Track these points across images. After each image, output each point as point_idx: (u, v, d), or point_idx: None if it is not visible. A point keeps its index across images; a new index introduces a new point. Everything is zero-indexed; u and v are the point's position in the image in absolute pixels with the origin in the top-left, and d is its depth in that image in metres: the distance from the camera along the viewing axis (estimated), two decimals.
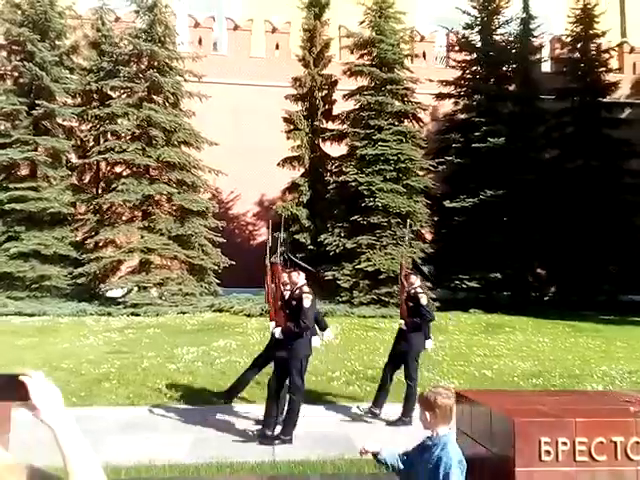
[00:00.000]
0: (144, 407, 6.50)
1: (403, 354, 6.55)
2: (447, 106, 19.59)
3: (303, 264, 6.23)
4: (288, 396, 5.71)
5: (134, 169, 15.99)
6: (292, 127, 17.87)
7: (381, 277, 15.32)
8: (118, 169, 16.45)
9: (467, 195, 16.04)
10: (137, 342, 10.31)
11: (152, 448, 5.13)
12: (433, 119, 18.75)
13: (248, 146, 21.15)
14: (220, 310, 15.06)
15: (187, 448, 5.32)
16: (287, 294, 5.90)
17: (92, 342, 10.20)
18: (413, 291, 6.57)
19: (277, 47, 23.04)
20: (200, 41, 21.87)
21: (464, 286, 16.02)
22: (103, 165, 16.69)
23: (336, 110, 18.14)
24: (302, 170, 17.74)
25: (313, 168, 17.62)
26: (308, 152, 17.57)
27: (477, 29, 18.11)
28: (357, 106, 17.40)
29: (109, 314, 13.85)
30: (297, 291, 5.75)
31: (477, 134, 16.33)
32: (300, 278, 5.85)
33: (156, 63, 16.19)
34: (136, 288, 14.81)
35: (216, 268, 16.08)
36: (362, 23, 17.63)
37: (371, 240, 15.54)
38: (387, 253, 15.60)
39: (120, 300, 14.54)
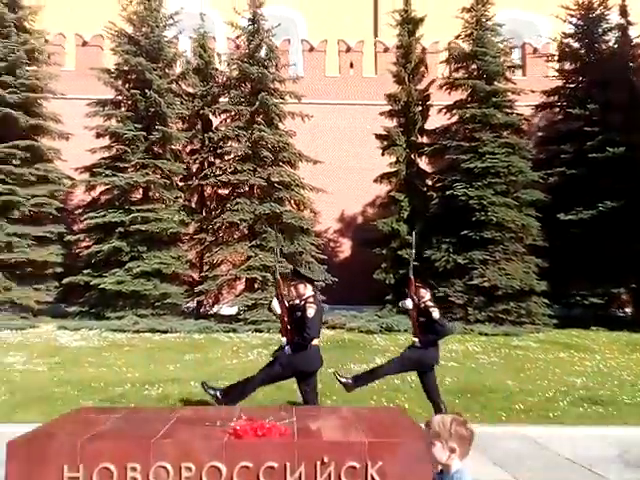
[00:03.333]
0: None
1: (419, 372, 6.42)
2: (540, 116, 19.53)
3: (309, 276, 6.16)
4: None
5: (244, 189, 16.47)
6: (386, 143, 17.98)
7: (498, 293, 15.14)
8: (225, 190, 16.93)
9: (583, 207, 15.72)
10: None
11: None
12: (532, 130, 18.53)
13: (324, 163, 21.49)
14: (333, 327, 15.22)
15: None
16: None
17: (256, 358, 10.52)
18: (424, 305, 6.34)
19: (351, 66, 23.39)
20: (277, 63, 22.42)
21: (585, 302, 15.61)
22: (209, 186, 17.16)
23: (428, 125, 18.26)
24: (397, 185, 17.76)
25: (410, 183, 17.66)
26: (404, 167, 17.66)
27: (577, 38, 17.93)
28: (454, 119, 17.50)
29: (234, 330, 14.19)
30: (302, 302, 5.66)
31: (591, 143, 16.05)
32: (307, 290, 5.74)
33: (260, 85, 16.62)
34: (252, 305, 15.09)
35: (323, 285, 16.28)
36: (458, 37, 17.71)
37: (484, 255, 15.42)
38: (500, 268, 15.39)
39: (240, 317, 14.89)
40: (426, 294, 6.44)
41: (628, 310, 16.97)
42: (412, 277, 6.59)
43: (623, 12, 18.45)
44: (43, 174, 16.35)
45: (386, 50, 22.60)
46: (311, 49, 22.65)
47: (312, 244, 16.39)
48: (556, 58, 18.67)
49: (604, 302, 15.87)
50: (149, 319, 14.71)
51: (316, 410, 5.39)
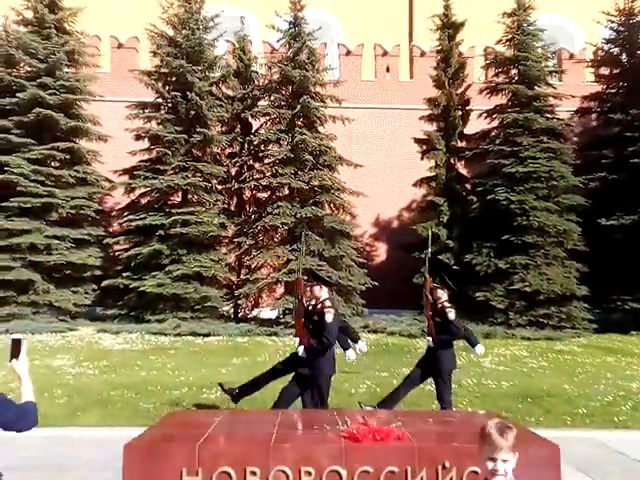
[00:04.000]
0: None
1: (433, 375, 6.33)
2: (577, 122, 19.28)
3: (326, 278, 6.04)
4: None
5: (283, 193, 16.41)
6: (425, 147, 17.87)
7: (539, 298, 14.97)
8: (265, 193, 16.87)
9: (624, 212, 15.52)
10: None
11: None
12: (568, 135, 18.24)
13: (361, 167, 21.44)
14: (375, 331, 15.08)
15: None
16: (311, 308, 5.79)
17: None
18: (440, 306, 6.30)
19: (387, 70, 23.34)
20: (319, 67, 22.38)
21: (626, 307, 15.40)
22: (248, 189, 17.11)
23: (466, 129, 18.11)
24: (437, 190, 17.64)
25: (450, 187, 17.51)
26: (444, 171, 17.52)
27: (617, 43, 17.74)
28: (495, 124, 17.35)
29: (275, 334, 14.08)
30: (319, 306, 5.59)
31: (632, 149, 15.84)
32: (323, 292, 5.68)
33: (301, 89, 16.55)
34: (293, 309, 14.98)
35: (363, 289, 16.16)
36: (499, 42, 17.59)
37: (526, 260, 15.24)
38: (541, 273, 15.24)
39: (281, 321, 14.78)
40: (443, 294, 6.39)
41: None
42: (428, 276, 6.61)
43: None
44: (82, 176, 16.38)
45: (423, 54, 22.55)
46: (347, 53, 22.63)
47: (352, 248, 16.27)
48: (596, 64, 18.47)
49: None
50: (189, 322, 14.64)
51: (415, 414, 5.25)
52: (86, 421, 6.97)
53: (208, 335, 13.83)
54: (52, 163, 16.30)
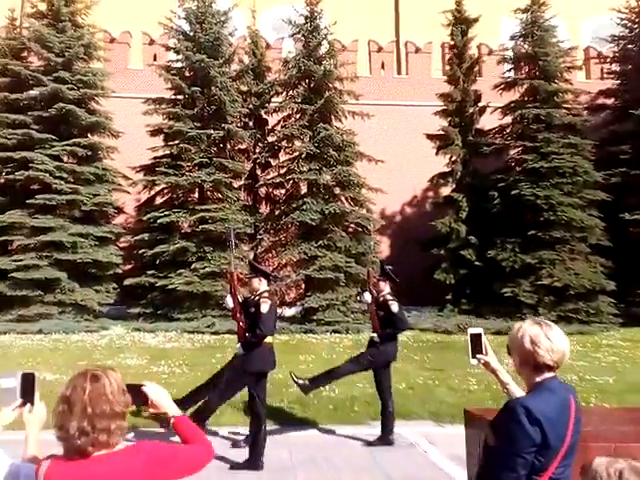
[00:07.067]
0: None
1: (375, 366, 6.13)
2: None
3: (266, 270, 5.93)
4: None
5: (305, 189, 16.29)
6: (439, 143, 17.92)
7: (570, 293, 15.12)
8: (283, 190, 16.74)
9: None
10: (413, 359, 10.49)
11: None
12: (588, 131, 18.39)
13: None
14: (411, 328, 15.08)
15: None
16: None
17: None
18: (382, 299, 6.07)
19: (382, 67, 23.24)
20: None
21: None
22: (266, 186, 16.97)
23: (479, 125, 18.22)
24: (455, 185, 17.76)
25: (467, 183, 17.61)
26: (461, 167, 17.62)
27: (629, 39, 18.11)
28: (509, 119, 17.53)
29: (311, 331, 13.99)
30: (256, 297, 5.41)
31: None
32: (262, 285, 5.47)
33: (322, 84, 16.43)
34: (326, 306, 14.88)
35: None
36: (513, 38, 17.79)
37: (553, 255, 15.44)
38: (568, 268, 15.43)
39: (314, 318, 14.67)
40: (385, 287, 6.14)
41: None
42: (371, 269, 6.44)
43: None
44: (101, 173, 15.96)
45: (417, 51, 22.61)
46: (343, 48, 22.43)
47: (375, 244, 16.26)
48: (609, 60, 18.84)
49: None
50: (220, 320, 14.43)
51: None
52: (228, 421, 6.59)
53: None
54: (70, 159, 15.87)
